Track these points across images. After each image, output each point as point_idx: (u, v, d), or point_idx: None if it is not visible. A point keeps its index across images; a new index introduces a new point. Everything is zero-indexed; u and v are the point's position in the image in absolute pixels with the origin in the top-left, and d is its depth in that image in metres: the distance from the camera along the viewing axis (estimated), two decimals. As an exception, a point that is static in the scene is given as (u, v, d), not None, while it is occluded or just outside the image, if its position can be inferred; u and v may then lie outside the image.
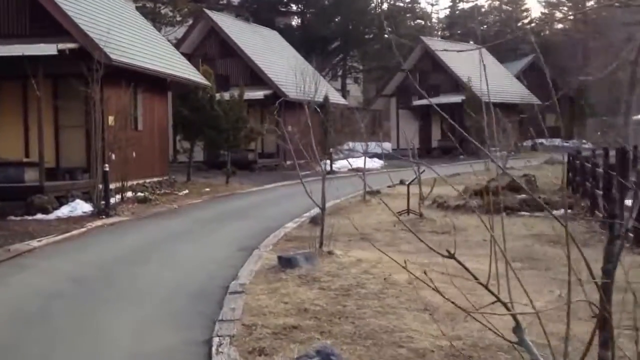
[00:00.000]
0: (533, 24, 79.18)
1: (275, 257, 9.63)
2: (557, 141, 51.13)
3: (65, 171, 16.64)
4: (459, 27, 69.34)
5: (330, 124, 32.99)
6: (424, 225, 12.54)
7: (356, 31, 53.00)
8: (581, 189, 16.10)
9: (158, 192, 18.96)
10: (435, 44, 45.02)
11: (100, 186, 15.25)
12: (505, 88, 46.84)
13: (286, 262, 8.59)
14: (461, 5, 76.45)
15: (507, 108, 42.07)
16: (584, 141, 51.77)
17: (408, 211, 14.48)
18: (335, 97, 36.08)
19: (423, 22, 65.26)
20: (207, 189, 20.76)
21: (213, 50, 32.09)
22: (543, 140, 49.35)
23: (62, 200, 15.06)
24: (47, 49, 14.32)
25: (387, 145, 49.46)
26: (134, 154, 17.54)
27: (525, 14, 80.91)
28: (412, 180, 14.94)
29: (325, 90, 34.60)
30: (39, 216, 13.98)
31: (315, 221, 13.02)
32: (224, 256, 10.16)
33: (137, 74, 17.46)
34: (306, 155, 11.38)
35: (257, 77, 30.07)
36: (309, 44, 47.01)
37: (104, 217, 14.21)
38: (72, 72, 15.16)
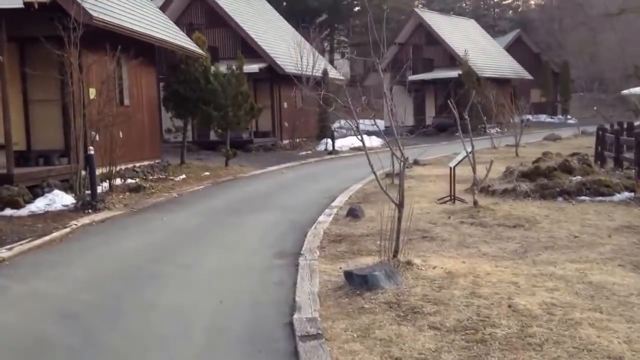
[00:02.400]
0: (510, 0, 77.38)
1: (333, 268, 7.19)
2: (543, 117, 49.56)
3: (38, 155, 13.88)
4: (439, 3, 67.04)
5: (331, 100, 30.49)
6: (485, 217, 10.13)
7: (343, 3, 50.19)
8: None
9: (151, 178, 16.28)
10: (429, 17, 42.46)
11: (84, 172, 12.61)
12: (499, 62, 44.80)
13: (360, 281, 6.12)
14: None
15: (500, 83, 39.99)
16: (569, 117, 50.30)
17: (453, 198, 12.11)
18: (333, 72, 33.41)
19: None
20: (206, 173, 18.11)
21: (199, 19, 29.19)
22: (529, 116, 47.85)
23: (36, 191, 12.36)
24: (10, 1, 11.53)
25: (380, 123, 47.08)
26: (120, 134, 14.85)
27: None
28: (459, 162, 12.48)
29: (324, 64, 31.95)
30: (8, 212, 11.26)
31: (353, 214, 10.63)
32: (261, 267, 7.64)
33: (122, 37, 14.67)
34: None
35: (249, 50, 27.23)
36: (296, 16, 44.10)
37: (90, 211, 11.56)
38: (44, 33, 12.40)
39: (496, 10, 75.90)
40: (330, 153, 26.13)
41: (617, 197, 11.38)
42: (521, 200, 11.78)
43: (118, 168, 14.30)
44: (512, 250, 7.78)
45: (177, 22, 27.62)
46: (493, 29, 63.09)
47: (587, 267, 6.73)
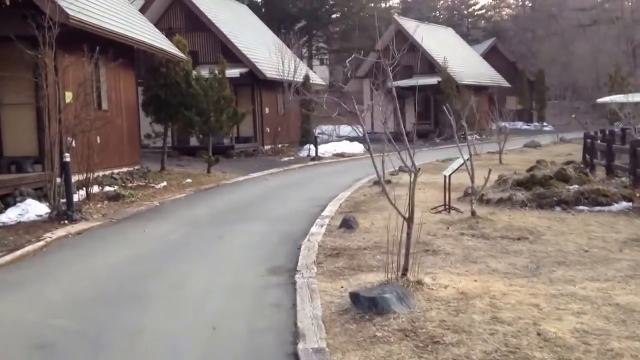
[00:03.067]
0: (483, 10, 77.91)
1: (334, 287, 6.63)
2: (520, 124, 49.73)
3: (10, 162, 13.10)
4: (414, 12, 67.13)
5: (313, 105, 29.90)
6: (485, 228, 9.66)
7: (322, 10, 49.75)
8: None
9: (131, 185, 15.57)
10: (409, 24, 42.20)
11: (59, 180, 11.88)
12: (477, 70, 44.77)
13: (369, 304, 5.56)
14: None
15: (479, 90, 39.80)
16: (544, 124, 50.52)
17: (448, 207, 11.62)
18: (314, 78, 32.89)
19: (384, 5, 62.50)
20: (188, 180, 17.42)
21: (179, 23, 28.43)
22: (506, 123, 47.94)
23: (7, 200, 11.61)
24: (-19, -2, 10.82)
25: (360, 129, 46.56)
26: (98, 139, 14.14)
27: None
28: (456, 169, 11.99)
29: (306, 70, 31.42)
30: (-23, 223, 10.56)
31: (347, 225, 10.08)
32: (255, 285, 7.04)
33: (100, 38, 13.98)
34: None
35: (230, 54, 26.52)
36: (274, 22, 43.56)
37: (66, 222, 10.85)
38: (17, 33, 11.69)
39: (469, 19, 76.29)
40: (313, 159, 25.56)
41: (616, 207, 11.00)
42: (518, 209, 11.36)
43: (95, 175, 13.59)
44: (522, 266, 7.28)
45: (156, 26, 26.77)
46: (467, 38, 63.36)
47: (609, 286, 6.25)
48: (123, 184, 15.34)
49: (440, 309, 5.57)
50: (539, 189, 11.66)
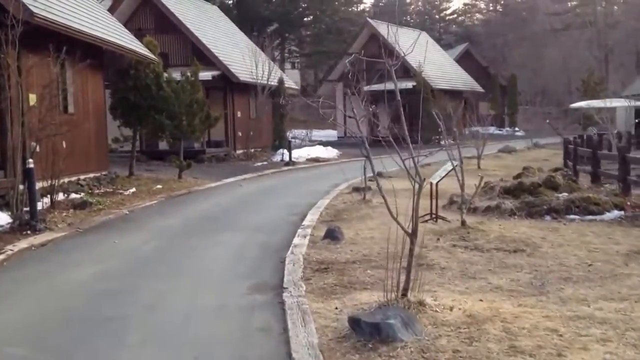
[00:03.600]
0: (455, 15, 78.44)
1: (327, 308, 6.07)
2: (492, 129, 49.88)
3: (-31, 167, 12.29)
4: (385, 16, 67.15)
5: (287, 109, 29.31)
6: (477, 239, 9.20)
7: (294, 13, 49.21)
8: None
9: (98, 191, 14.79)
10: (383, 27, 41.93)
11: (22, 187, 11.11)
12: (451, 74, 44.69)
13: (371, 331, 5.01)
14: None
15: (453, 95, 39.65)
16: (516, 129, 50.76)
17: (436, 216, 11.14)
18: (288, 82, 32.31)
19: (356, 9, 62.22)
20: (158, 186, 16.67)
21: (148, 24, 27.61)
22: (479, 128, 47.97)
23: (-34, 209, 10.82)
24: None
25: (333, 133, 46.12)
26: (64, 144, 13.37)
27: (448, 4, 79.89)
28: (444, 177, 11.51)
29: (280, 73, 30.84)
30: None
31: (332, 236, 9.51)
32: (239, 306, 6.40)
33: (66, 38, 13.23)
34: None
35: (201, 57, 25.71)
36: (246, 25, 42.91)
37: (29, 232, 10.09)
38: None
39: (441, 24, 76.56)
40: (287, 164, 24.96)
41: (608, 215, 10.66)
42: (507, 218, 10.95)
43: (61, 181, 12.81)
44: (526, 283, 6.81)
45: (125, 27, 26.06)
46: (439, 43, 63.46)
47: (626, 307, 5.79)
48: (90, 191, 14.56)
49: (450, 336, 5.04)
50: (528, 197, 11.27)
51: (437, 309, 5.71)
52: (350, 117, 7.56)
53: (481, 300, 6.09)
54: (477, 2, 75.45)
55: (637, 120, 25.69)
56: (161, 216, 12.57)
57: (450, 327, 5.25)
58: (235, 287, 7.13)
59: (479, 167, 22.21)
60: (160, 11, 27.10)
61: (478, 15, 75.92)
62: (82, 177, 14.85)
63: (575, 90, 41.46)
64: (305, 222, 11.25)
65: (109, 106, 18.14)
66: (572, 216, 10.68)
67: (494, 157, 28.75)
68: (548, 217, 10.66)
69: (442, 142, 34.95)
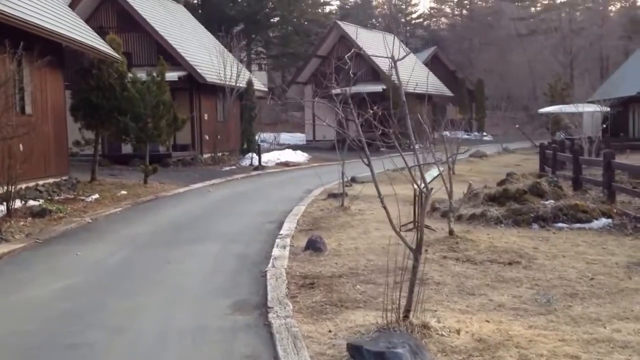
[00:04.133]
0: (421, 19, 78.75)
1: (319, 332, 5.48)
2: (460, 133, 49.94)
3: None
4: (352, 19, 66.96)
5: (256, 112, 28.62)
6: (467, 249, 8.73)
7: (261, 13, 48.47)
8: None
9: (58, 198, 13.92)
10: (352, 30, 41.49)
11: (-26, 195, 10.27)
12: (421, 78, 44.31)
13: None
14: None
15: (423, 99, 39.42)
16: (484, 133, 50.88)
17: (420, 226, 10.58)
18: (257, 84, 31.61)
19: (322, 11, 61.78)
20: (123, 192, 15.83)
21: (111, 21, 26.62)
22: (447, 133, 47.98)
23: None
24: None
25: (301, 137, 45.50)
26: (21, 147, 12.51)
27: (414, 8, 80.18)
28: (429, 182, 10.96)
29: (249, 75, 30.12)
30: None
31: (314, 247, 8.93)
32: (220, 328, 5.74)
33: (24, 34, 12.40)
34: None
35: (167, 57, 24.68)
36: (212, 25, 42.01)
37: (-18, 244, 9.27)
38: None
39: (407, 28, 76.65)
40: (256, 168, 24.27)
41: (596, 223, 10.31)
42: (493, 227, 10.52)
43: (18, 187, 11.96)
44: (530, 299, 6.33)
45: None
46: (406, 46, 63.50)
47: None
48: (49, 198, 13.69)
49: (462, 364, 4.50)
50: (513, 205, 10.86)
51: (443, 333, 5.16)
52: (350, 119, 6.95)
53: (487, 321, 5.57)
54: (443, 7, 75.72)
55: (604, 126, 25.75)
56: (127, 224, 11.80)
57: (461, 355, 4.71)
58: (213, 306, 6.48)
59: (453, 173, 21.73)
60: (123, 9, 26.14)
61: (444, 20, 76.22)
62: (40, 182, 13.96)
63: (542, 95, 41.64)
64: (282, 231, 10.63)
65: (69, 107, 17.23)
66: (560, 224, 10.29)
67: (466, 162, 28.42)
68: (535, 226, 10.26)
69: (414, 147, 34.56)
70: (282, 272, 7.67)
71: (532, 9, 58.51)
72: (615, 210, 10.76)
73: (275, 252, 8.90)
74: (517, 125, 41.18)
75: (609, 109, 26.67)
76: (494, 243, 9.04)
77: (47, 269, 8.35)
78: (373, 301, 6.45)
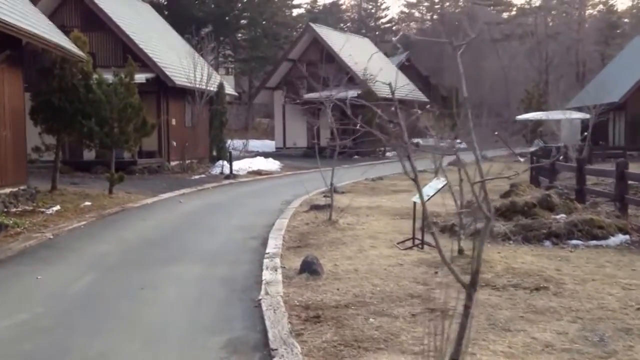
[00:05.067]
0: (391, 24, 78.58)
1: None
2: (432, 140, 49.41)
3: None
4: (322, 22, 66.33)
5: (227, 117, 27.47)
6: (483, 272, 7.67)
7: (230, 15, 47.26)
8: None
9: (15, 210, 12.61)
10: (325, 32, 40.61)
11: None
12: (395, 83, 43.49)
13: None
14: (321, 1, 73.56)
15: (398, 104, 38.66)
16: (458, 141, 50.44)
17: (422, 243, 9.62)
18: (228, 88, 30.44)
19: (292, 14, 60.88)
20: (86, 203, 14.55)
21: (74, 20, 25.16)
22: (419, 140, 47.34)
23: None
24: None
25: (270, 144, 44.39)
26: (-27, 154, 11.22)
27: (384, 12, 79.98)
28: (433, 195, 10.01)
29: (220, 78, 28.94)
30: None
31: (310, 269, 7.90)
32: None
33: (-21, 28, 11.14)
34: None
35: (133, 57, 23.44)
36: (178, 26, 40.69)
37: None
38: None
39: (377, 32, 76.23)
40: (228, 177, 23.10)
41: (613, 240, 9.50)
42: (501, 244, 9.63)
43: (-31, 199, 10.67)
44: (579, 337, 5.41)
45: (47, 22, 23.58)
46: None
47: None
48: (6, 210, 12.37)
49: None
50: (522, 219, 9.98)
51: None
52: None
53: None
54: (413, 11, 75.54)
55: (585, 134, 25.27)
56: (93, 241, 10.58)
57: None
58: (203, 348, 5.41)
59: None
60: (87, 7, 24.73)
61: (414, 25, 75.95)
62: (-5, 192, 12.65)
63: (518, 101, 41.21)
64: (269, 250, 9.56)
65: (29, 110, 15.88)
66: (574, 241, 9.44)
67: (446, 170, 27.64)
68: (548, 243, 9.40)
69: (388, 154, 33.67)
70: (279, 301, 6.63)
71: (506, 13, 58.51)
72: (631, 226, 9.98)
73: (266, 275, 7.84)
74: (496, 133, 40.58)
75: (588, 117, 26.22)
76: (510, 264, 8.14)
77: (2, 296, 7.14)
78: (394, 340, 5.46)
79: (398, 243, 9.96)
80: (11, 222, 10.92)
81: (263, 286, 7.26)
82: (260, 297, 6.79)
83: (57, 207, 13.42)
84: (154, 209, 14.97)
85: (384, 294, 6.81)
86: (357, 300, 6.70)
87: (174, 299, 7.10)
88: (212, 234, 11.51)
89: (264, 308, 6.37)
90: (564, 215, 9.98)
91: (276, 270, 8.11)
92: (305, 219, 12.98)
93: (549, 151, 19.51)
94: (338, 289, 7.14)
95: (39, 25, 14.07)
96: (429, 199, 9.67)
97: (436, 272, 7.84)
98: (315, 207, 14.14)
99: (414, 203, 10.08)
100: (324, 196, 16.99)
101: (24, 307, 6.73)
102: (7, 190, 13.17)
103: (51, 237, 10.70)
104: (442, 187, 9.60)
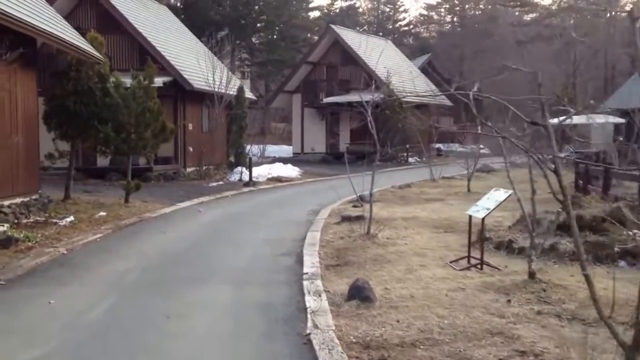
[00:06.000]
0: (410, 26, 77.50)
1: None
2: (455, 146, 48.19)
3: None
4: (338, 25, 65.39)
5: (246, 122, 26.54)
6: (564, 300, 6.80)
7: (247, 18, 46.38)
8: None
9: (26, 221, 11.72)
10: (347, 34, 39.62)
11: None
12: (418, 86, 42.47)
13: None
14: (338, 4, 72.61)
15: (420, 108, 37.43)
16: (481, 146, 49.12)
17: (481, 263, 8.56)
18: (247, 91, 29.51)
19: (312, 15, 59.96)
20: (101, 213, 13.65)
21: (90, 22, 24.34)
22: (441, 145, 46.15)
23: None
24: None
25: (287, 149, 43.41)
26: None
27: (402, 15, 78.90)
28: (494, 209, 8.96)
29: (239, 81, 28.04)
30: None
31: (362, 295, 6.98)
32: None
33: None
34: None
35: (151, 60, 22.86)
36: (194, 30, 39.93)
37: None
38: None
39: (395, 35, 75.20)
40: (247, 184, 22.13)
41: None
42: (569, 264, 8.56)
43: (-23, 210, 9.78)
44: None
45: (61, 24, 22.80)
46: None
47: None
48: (16, 221, 11.49)
49: None
50: (590, 235, 8.94)
51: None
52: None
53: None
54: (433, 14, 74.33)
55: (620, 138, 24.14)
56: (110, 257, 9.65)
57: None
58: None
59: (469, 190, 20.00)
60: (103, 8, 23.95)
61: (434, 27, 74.75)
62: (6, 203, 11.75)
63: (541, 105, 39.88)
64: (307, 269, 8.60)
65: (42, 115, 15.04)
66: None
67: (474, 177, 26.62)
68: (623, 263, 8.37)
69: (410, 160, 32.51)
70: (332, 337, 5.66)
71: (528, 16, 56.97)
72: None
73: (310, 301, 6.87)
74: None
75: (623, 120, 25.06)
76: (582, 289, 7.11)
77: (9, 328, 6.21)
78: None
79: (451, 262, 8.96)
80: (22, 235, 10.02)
81: (309, 316, 6.29)
82: (308, 331, 5.82)
83: (71, 218, 12.52)
84: (173, 220, 14.04)
85: (456, 329, 5.82)
86: (424, 337, 5.72)
87: (205, 331, 6.14)
88: (238, 248, 10.56)
89: (315, 347, 5.41)
90: (637, 232, 8.93)
91: (320, 296, 7.14)
92: (339, 231, 12.00)
93: (589, 157, 18.39)
94: (398, 321, 6.16)
95: (54, 24, 13.21)
96: (488, 213, 8.69)
97: (509, 301, 6.83)
98: (347, 219, 13.17)
99: (470, 216, 9.07)
100: (353, 206, 16.03)
101: (35, 341, 5.80)
102: (18, 199, 12.28)
103: (65, 252, 9.78)
104: (505, 199, 8.60)
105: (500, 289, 7.26)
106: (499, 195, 8.73)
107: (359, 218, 12.85)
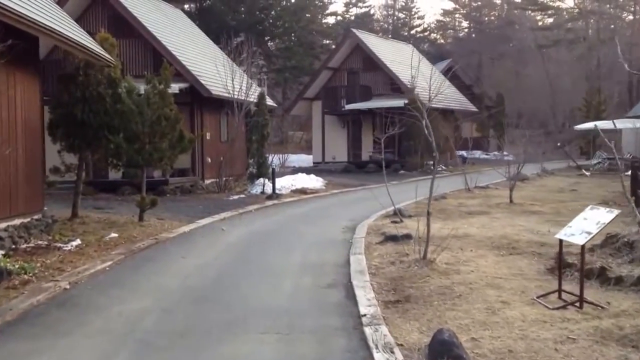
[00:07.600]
0: (427, 32, 75.89)
1: None
2: (478, 153, 46.45)
3: None
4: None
5: (269, 130, 24.92)
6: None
7: (265, 23, 45.00)
8: None
9: (25, 246, 10.14)
10: (368, 38, 38.03)
11: None
12: (444, 92, 40.68)
13: None
14: (353, 11, 71.18)
15: (445, 114, 35.66)
16: (505, 153, 47.28)
17: (580, 301, 6.83)
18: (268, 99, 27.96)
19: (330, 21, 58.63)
20: (112, 234, 12.05)
21: (101, 26, 22.70)
22: (464, 152, 44.46)
23: None
24: None
25: (306, 158, 41.82)
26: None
27: (418, 21, 77.44)
28: (596, 233, 7.24)
29: (259, 88, 26.47)
30: None
31: (450, 353, 5.22)
32: None
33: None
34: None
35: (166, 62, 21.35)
36: (211, 36, 38.58)
37: None
38: None
39: (411, 41, 73.61)
40: (270, 197, 20.50)
41: None
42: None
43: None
44: None
45: (71, 28, 21.37)
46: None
47: None
48: (13, 247, 9.91)
49: None
50: None
51: None
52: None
53: None
54: (450, 20, 72.76)
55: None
56: (122, 293, 8.02)
57: None
58: None
59: (511, 201, 18.21)
60: (116, 11, 22.57)
61: (451, 32, 73.08)
62: (3, 225, 10.19)
63: (566, 110, 38.19)
64: (363, 309, 6.93)
65: (47, 124, 13.53)
66: None
67: (505, 185, 24.79)
68: None
69: (440, 168, 30.27)
70: None
71: (549, 19, 55.23)
72: None
73: (379, 358, 5.19)
74: (559, 144, 37.42)
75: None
76: None
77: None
78: None
79: (539, 297, 7.26)
80: (16, 267, 8.41)
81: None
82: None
83: (77, 242, 10.93)
84: (194, 241, 12.42)
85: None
86: None
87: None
88: (274, 278, 8.91)
89: None
90: None
91: (392, 351, 5.46)
92: (385, 254, 10.32)
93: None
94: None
95: (62, 23, 11.66)
96: (590, 238, 6.95)
97: (626, 358, 5.13)
98: (392, 238, 11.50)
99: (560, 241, 7.35)
100: (392, 221, 14.36)
101: None
102: (17, 221, 10.72)
103: (67, 287, 8.17)
104: (610, 220, 6.87)
105: (622, 339, 5.57)
106: (600, 215, 7.01)
107: (406, 237, 11.22)
